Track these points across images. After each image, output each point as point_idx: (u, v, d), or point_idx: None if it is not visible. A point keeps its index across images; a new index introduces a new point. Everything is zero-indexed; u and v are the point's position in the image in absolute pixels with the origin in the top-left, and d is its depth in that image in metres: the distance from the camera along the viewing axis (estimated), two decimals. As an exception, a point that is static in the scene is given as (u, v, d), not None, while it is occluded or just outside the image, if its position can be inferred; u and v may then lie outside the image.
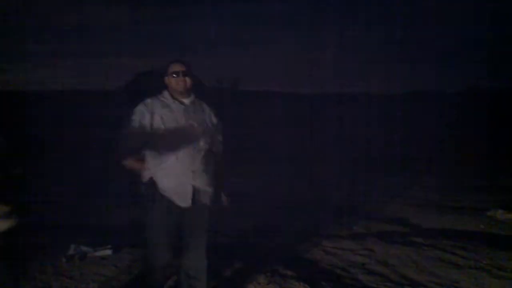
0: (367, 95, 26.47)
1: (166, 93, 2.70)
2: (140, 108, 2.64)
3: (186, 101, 2.70)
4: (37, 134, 14.22)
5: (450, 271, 3.67)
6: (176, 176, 2.59)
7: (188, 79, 2.66)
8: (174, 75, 2.65)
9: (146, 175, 2.64)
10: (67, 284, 3.35)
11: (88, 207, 6.05)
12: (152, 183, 2.61)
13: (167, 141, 2.59)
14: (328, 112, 20.92)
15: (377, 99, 24.58)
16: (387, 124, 18.91)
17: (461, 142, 14.97)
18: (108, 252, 3.99)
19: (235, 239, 4.65)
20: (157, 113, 2.61)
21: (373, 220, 5.73)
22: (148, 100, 2.66)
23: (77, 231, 4.63)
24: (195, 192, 2.64)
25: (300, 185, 8.68)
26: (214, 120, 2.79)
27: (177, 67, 2.67)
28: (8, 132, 2.16)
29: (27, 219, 2.15)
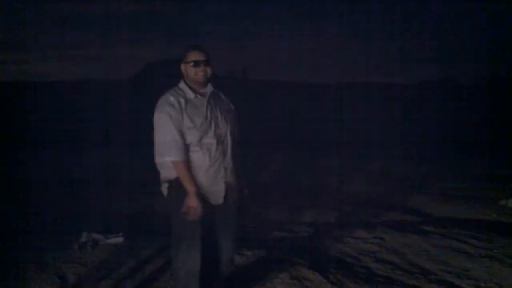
0: (378, 84, 26.26)
1: (183, 85, 2.50)
2: (170, 112, 2.38)
3: (206, 91, 2.51)
4: (44, 124, 14.36)
5: (461, 260, 3.65)
6: (209, 174, 2.43)
7: (208, 69, 2.48)
8: (193, 64, 2.45)
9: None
10: (80, 271, 3.40)
11: (99, 195, 6.11)
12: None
13: (197, 139, 2.41)
14: (342, 101, 20.80)
15: (388, 89, 24.38)
16: (399, 113, 18.79)
17: (474, 131, 14.84)
18: (119, 239, 4.04)
19: (246, 228, 4.66)
20: (185, 112, 2.40)
21: (384, 209, 5.72)
22: (172, 99, 2.41)
23: (89, 219, 4.69)
24: (228, 188, 2.50)
25: (309, 174, 8.69)
26: (232, 108, 2.65)
27: (197, 56, 2.46)
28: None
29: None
